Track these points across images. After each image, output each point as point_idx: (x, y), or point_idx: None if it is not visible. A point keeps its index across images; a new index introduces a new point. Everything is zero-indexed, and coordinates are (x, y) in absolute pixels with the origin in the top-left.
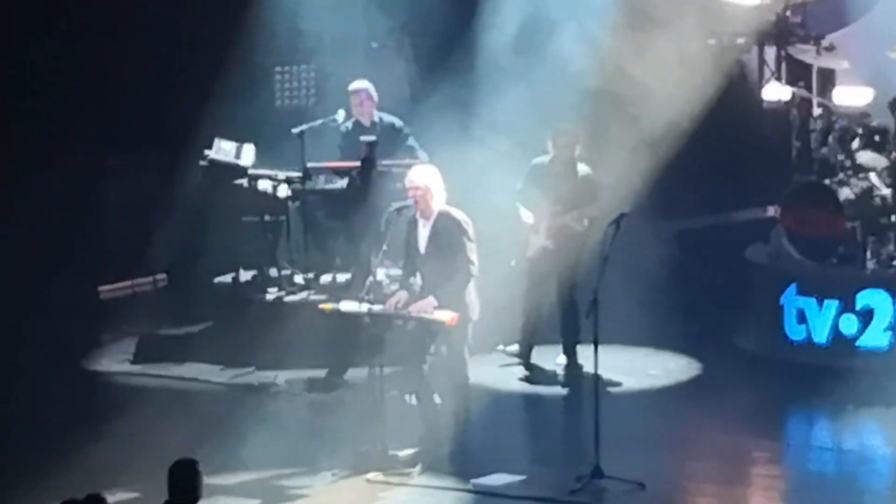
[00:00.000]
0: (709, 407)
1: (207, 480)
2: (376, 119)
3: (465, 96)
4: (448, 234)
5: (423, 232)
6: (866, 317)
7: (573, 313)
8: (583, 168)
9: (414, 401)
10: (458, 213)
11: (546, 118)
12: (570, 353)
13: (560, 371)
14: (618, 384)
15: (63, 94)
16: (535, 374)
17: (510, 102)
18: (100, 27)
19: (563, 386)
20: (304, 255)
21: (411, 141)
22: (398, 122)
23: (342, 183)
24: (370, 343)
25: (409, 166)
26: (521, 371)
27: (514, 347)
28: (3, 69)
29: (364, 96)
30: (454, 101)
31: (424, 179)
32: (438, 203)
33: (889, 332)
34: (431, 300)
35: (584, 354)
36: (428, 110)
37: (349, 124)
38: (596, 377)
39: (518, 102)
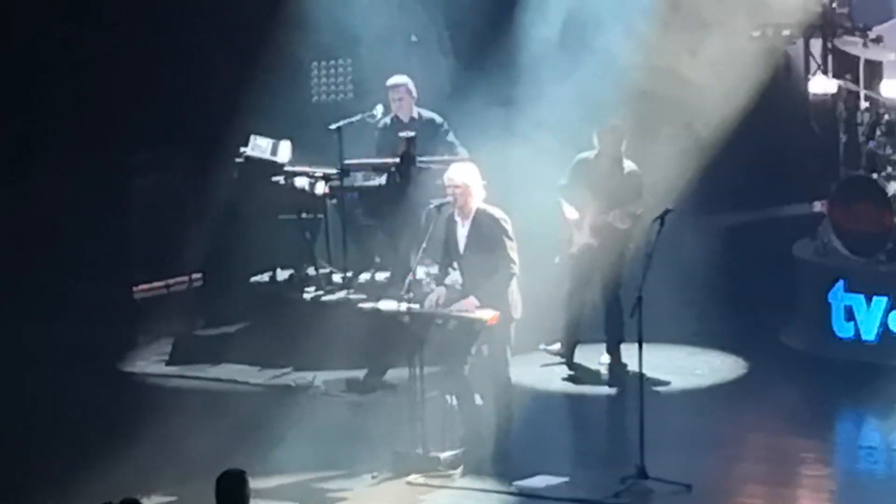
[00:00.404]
0: (755, 406)
1: None
2: (415, 115)
3: (506, 91)
4: (487, 232)
5: (462, 230)
6: None
7: (617, 311)
8: (629, 164)
9: (455, 402)
10: (496, 211)
11: (589, 114)
12: (614, 352)
13: (604, 370)
14: (663, 383)
15: (95, 89)
16: (579, 374)
17: (553, 98)
18: (133, 20)
19: (608, 386)
20: (342, 253)
21: (451, 137)
22: (438, 118)
23: (380, 180)
24: (410, 343)
25: (448, 163)
26: (564, 370)
27: (557, 346)
28: (30, 64)
29: (403, 92)
30: (495, 97)
31: (464, 177)
32: (477, 201)
33: None
34: (473, 300)
35: (629, 353)
36: (468, 105)
37: (387, 120)
38: (641, 376)
39: (561, 98)
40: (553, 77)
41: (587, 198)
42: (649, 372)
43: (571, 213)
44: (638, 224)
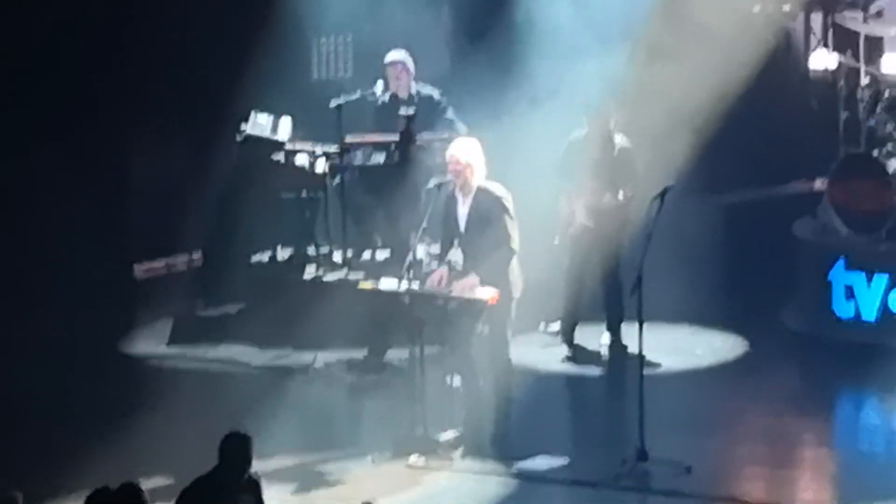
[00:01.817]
0: (755, 387)
1: None
2: (413, 91)
3: (507, 65)
4: (487, 209)
5: (463, 208)
6: None
7: (616, 291)
8: (620, 141)
9: (456, 382)
10: (497, 188)
11: (592, 88)
12: (615, 331)
13: (604, 351)
14: (662, 364)
15: (94, 67)
16: (578, 354)
17: (554, 71)
18: None
19: (608, 366)
20: (342, 232)
21: (450, 113)
22: (436, 95)
23: (381, 158)
24: (410, 323)
25: (449, 140)
26: (565, 351)
27: (557, 326)
28: (29, 42)
29: (400, 68)
30: (496, 71)
31: (466, 154)
32: (479, 178)
33: None
34: (474, 278)
35: (629, 333)
36: (469, 81)
37: (385, 97)
38: (640, 357)
39: (562, 71)
40: (554, 51)
41: (581, 178)
42: (649, 352)
43: (569, 194)
44: (634, 203)
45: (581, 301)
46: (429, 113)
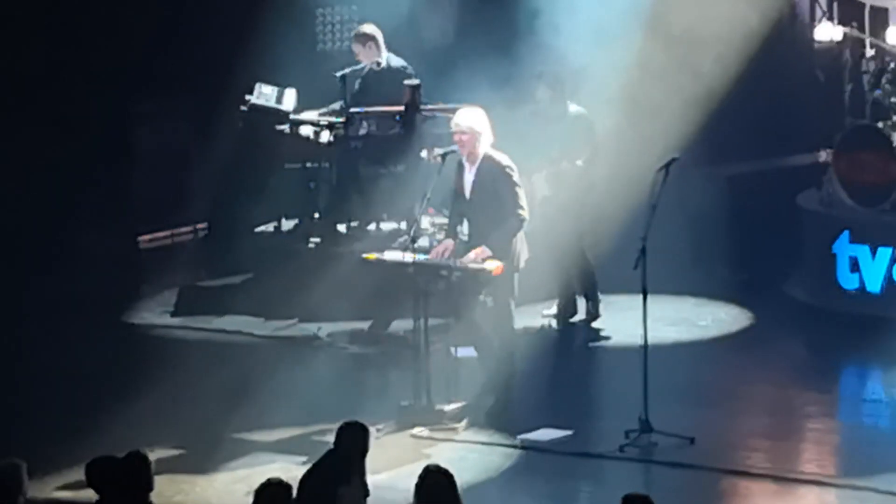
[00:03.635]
0: (759, 358)
1: (247, 436)
2: (384, 63)
3: (510, 38)
4: (492, 178)
5: (469, 177)
6: None
7: (584, 264)
8: (576, 108)
9: (461, 353)
10: (503, 158)
11: (597, 60)
12: (592, 304)
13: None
14: (667, 335)
15: (98, 38)
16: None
17: (559, 41)
18: None
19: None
20: (346, 202)
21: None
22: (403, 63)
23: (386, 128)
24: (415, 294)
25: (453, 110)
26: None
27: (554, 310)
28: (33, 14)
29: (365, 40)
30: (499, 43)
31: (470, 123)
32: (485, 147)
33: None
34: (485, 250)
35: (631, 305)
36: (472, 52)
37: (364, 69)
38: (644, 328)
39: (567, 43)
40: (556, 23)
41: (539, 148)
42: (653, 323)
43: (528, 169)
44: (596, 169)
45: (571, 273)
46: (399, 82)
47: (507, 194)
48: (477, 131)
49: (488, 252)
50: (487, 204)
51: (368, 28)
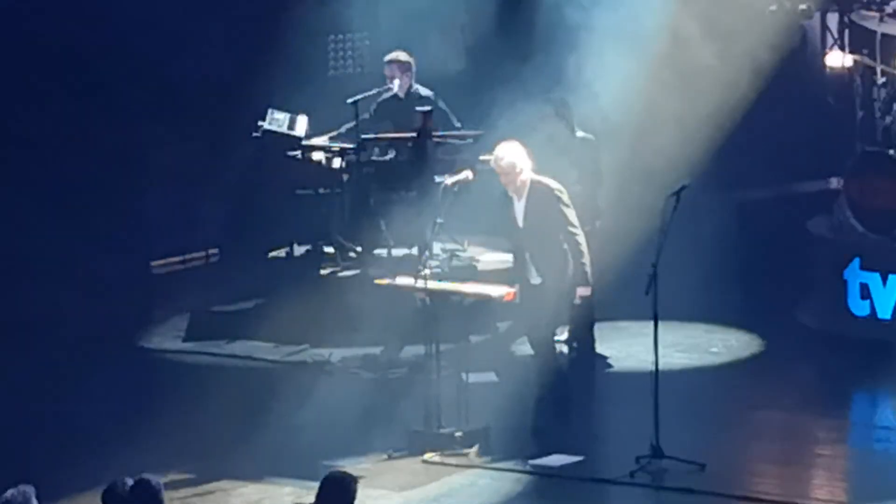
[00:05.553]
0: (770, 385)
1: (259, 461)
2: (413, 91)
3: (521, 63)
4: (543, 204)
5: (519, 205)
6: None
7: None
8: (581, 134)
9: (472, 379)
10: (549, 181)
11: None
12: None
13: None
14: (678, 361)
15: (112, 61)
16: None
17: (568, 69)
18: None
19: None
20: (358, 228)
21: (442, 104)
22: (430, 93)
23: (397, 154)
24: (426, 319)
25: (464, 137)
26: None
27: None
28: (46, 36)
29: (394, 68)
30: (510, 69)
31: (510, 159)
32: (528, 175)
33: None
34: (584, 288)
35: (642, 331)
36: (483, 81)
37: (387, 95)
38: (656, 354)
39: (576, 68)
40: (567, 49)
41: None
42: (664, 349)
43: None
44: (602, 196)
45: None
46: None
47: (558, 216)
48: (518, 166)
49: (587, 289)
50: (540, 229)
51: (406, 56)
